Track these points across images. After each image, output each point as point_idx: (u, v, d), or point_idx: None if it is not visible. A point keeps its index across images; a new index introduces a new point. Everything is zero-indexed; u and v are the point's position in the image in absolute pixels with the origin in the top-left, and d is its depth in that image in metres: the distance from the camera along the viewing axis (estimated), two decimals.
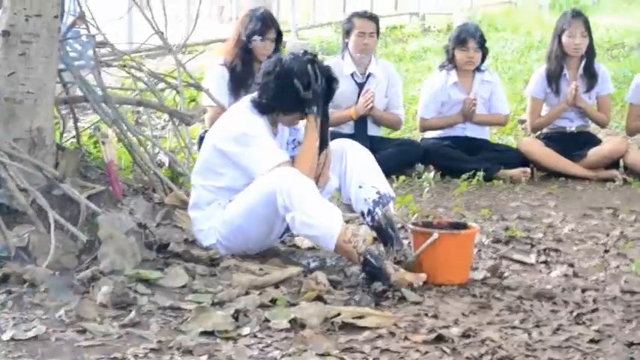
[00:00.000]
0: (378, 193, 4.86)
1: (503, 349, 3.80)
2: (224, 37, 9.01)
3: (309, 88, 4.72)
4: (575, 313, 4.24)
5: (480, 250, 5.18)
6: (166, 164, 5.92)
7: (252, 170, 4.72)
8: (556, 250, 5.30)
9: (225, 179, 4.80)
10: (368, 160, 4.99)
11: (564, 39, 7.39)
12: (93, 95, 5.34)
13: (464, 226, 4.82)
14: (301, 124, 4.88)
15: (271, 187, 4.56)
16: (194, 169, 5.00)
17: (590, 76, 7.47)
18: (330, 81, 4.80)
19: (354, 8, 7.53)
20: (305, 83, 4.72)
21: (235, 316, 4.00)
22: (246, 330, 3.90)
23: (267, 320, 4.01)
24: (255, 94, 4.88)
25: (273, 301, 4.22)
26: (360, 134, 7.07)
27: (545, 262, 5.08)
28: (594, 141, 7.49)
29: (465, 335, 3.92)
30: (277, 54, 5.83)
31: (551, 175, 7.31)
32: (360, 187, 4.88)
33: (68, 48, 5.29)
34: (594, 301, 4.43)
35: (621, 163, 7.37)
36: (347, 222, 5.53)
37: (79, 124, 5.79)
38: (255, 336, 3.87)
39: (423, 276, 4.46)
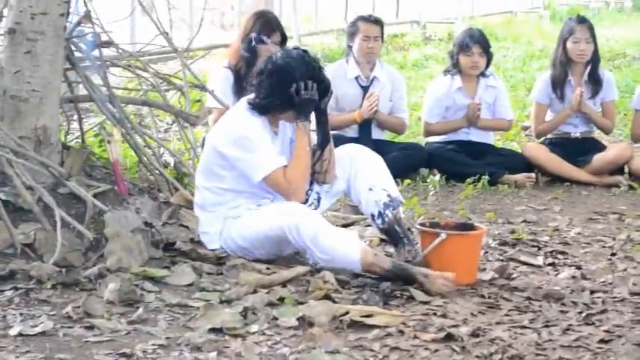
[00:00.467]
0: (389, 196, 4.83)
1: (513, 348, 3.79)
2: (226, 43, 8.99)
3: (301, 83, 4.68)
4: (584, 314, 4.23)
5: (486, 253, 5.16)
6: (171, 164, 5.90)
7: (250, 176, 4.71)
8: (563, 253, 5.29)
9: (226, 181, 4.78)
10: (379, 163, 4.96)
11: (569, 45, 7.37)
12: (98, 95, 5.32)
13: (471, 227, 4.81)
14: None
15: (279, 223, 4.55)
16: (197, 169, 4.99)
17: (595, 83, 7.45)
18: (320, 76, 4.75)
19: (356, 15, 7.50)
20: (297, 78, 4.68)
21: (244, 314, 3.98)
22: (254, 327, 3.89)
23: (275, 318, 4.00)
24: (252, 95, 4.86)
25: (281, 300, 4.21)
26: (364, 138, 7.02)
27: (552, 264, 5.07)
28: (599, 147, 7.46)
29: (474, 334, 3.90)
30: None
31: (556, 180, 7.28)
32: (371, 189, 4.85)
33: (73, 47, 5.27)
34: (603, 302, 4.42)
35: (626, 169, 7.35)
36: (353, 224, 5.55)
37: (83, 124, 5.77)
38: (264, 333, 3.86)
39: (450, 274, 4.43)
